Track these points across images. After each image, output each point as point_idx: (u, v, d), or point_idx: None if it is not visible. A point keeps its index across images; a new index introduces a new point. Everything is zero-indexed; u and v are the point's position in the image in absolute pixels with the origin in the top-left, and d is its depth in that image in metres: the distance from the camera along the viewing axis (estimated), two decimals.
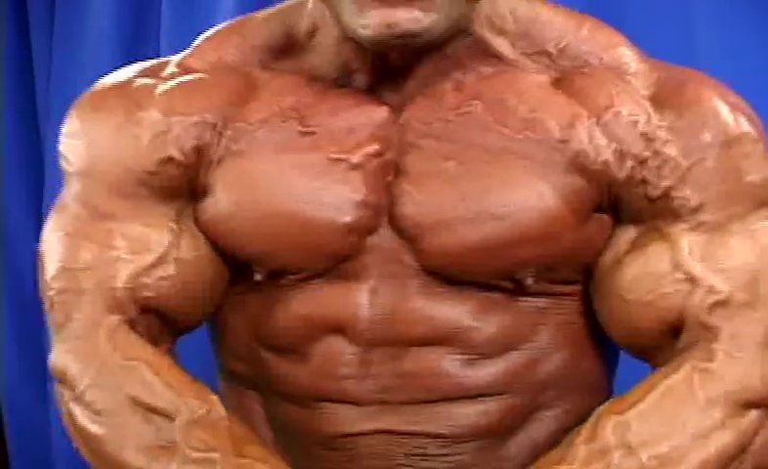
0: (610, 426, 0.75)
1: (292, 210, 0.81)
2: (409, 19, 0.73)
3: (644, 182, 0.79)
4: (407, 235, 0.81)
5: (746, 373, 0.76)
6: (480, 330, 0.82)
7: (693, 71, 0.85)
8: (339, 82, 0.84)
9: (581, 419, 0.81)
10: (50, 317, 0.85)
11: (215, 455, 0.77)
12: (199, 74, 0.86)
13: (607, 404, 0.79)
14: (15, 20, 1.88)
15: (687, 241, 0.79)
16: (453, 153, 0.80)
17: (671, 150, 0.78)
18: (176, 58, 0.90)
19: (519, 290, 0.82)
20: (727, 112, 0.79)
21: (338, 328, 0.83)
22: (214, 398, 0.80)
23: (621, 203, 0.81)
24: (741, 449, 0.76)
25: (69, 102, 1.76)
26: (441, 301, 0.82)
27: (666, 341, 0.81)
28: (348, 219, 0.81)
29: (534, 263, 0.80)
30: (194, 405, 0.79)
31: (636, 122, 0.79)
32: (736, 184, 0.79)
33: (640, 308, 0.80)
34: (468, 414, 0.83)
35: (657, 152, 0.78)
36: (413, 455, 0.84)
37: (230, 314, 0.89)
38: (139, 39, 1.76)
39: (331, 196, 0.80)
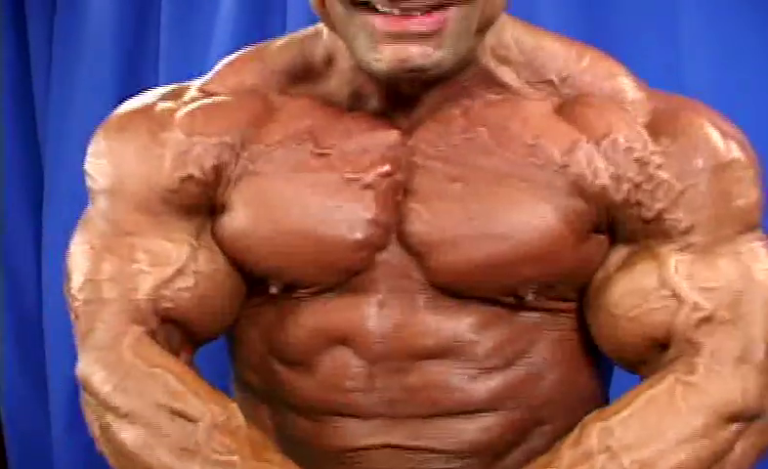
0: (594, 432, 0.79)
1: (306, 227, 0.85)
2: (421, 54, 0.76)
3: (639, 204, 0.83)
4: (415, 252, 0.85)
5: (727, 387, 0.80)
6: (480, 344, 0.86)
7: (688, 100, 0.88)
8: (352, 106, 0.87)
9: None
10: (75, 327, 0.89)
11: (235, 458, 0.80)
12: (220, 97, 0.91)
13: (593, 412, 0.83)
14: (12, 20, 1.88)
15: (675, 261, 0.83)
16: (460, 175, 0.84)
17: (665, 174, 0.82)
18: (197, 82, 0.94)
19: (519, 305, 0.86)
20: (718, 139, 0.83)
21: (346, 340, 0.87)
22: (234, 406, 0.84)
23: (617, 224, 0.85)
24: (719, 457, 0.80)
25: (68, 103, 1.78)
26: (446, 315, 0.86)
27: (652, 355, 0.85)
28: (359, 236, 0.84)
29: (536, 280, 0.84)
30: (216, 410, 0.82)
31: (632, 149, 0.83)
32: (725, 208, 0.83)
33: (627, 323, 0.84)
34: (469, 430, 0.87)
35: (651, 176, 0.82)
36: None
37: (245, 326, 0.93)
38: (139, 38, 1.76)
39: (344, 214, 0.84)
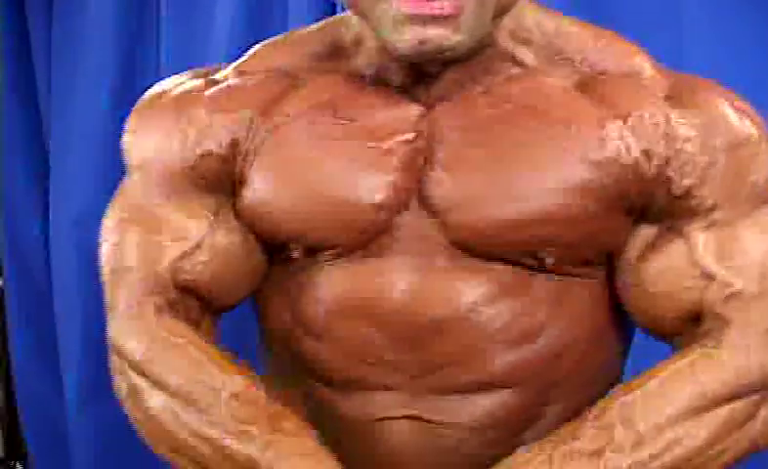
0: (616, 405, 0.82)
1: (326, 190, 0.87)
2: (439, 36, 0.79)
3: (669, 180, 0.85)
4: (436, 212, 0.86)
5: (750, 360, 0.83)
6: (499, 315, 0.87)
7: (701, 78, 0.90)
8: (376, 81, 0.89)
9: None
10: (105, 294, 0.94)
11: (253, 428, 0.83)
12: (247, 76, 0.94)
13: (618, 387, 0.86)
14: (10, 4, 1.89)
15: (702, 240, 0.85)
16: (483, 142, 0.86)
17: (690, 149, 0.84)
18: (233, 63, 0.97)
19: (538, 270, 0.87)
20: (735, 117, 0.86)
21: (367, 307, 0.88)
22: (254, 375, 0.87)
23: (646, 201, 0.86)
24: (739, 425, 0.83)
25: (69, 81, 1.79)
26: (464, 279, 0.87)
27: (686, 328, 0.88)
28: (378, 197, 0.86)
29: (556, 242, 0.85)
30: (236, 381, 0.86)
31: (658, 124, 0.85)
32: (743, 184, 0.86)
33: (663, 299, 0.88)
34: (487, 405, 0.89)
35: (678, 152, 0.84)
36: (436, 443, 0.89)
37: (270, 296, 0.96)
38: (140, 13, 1.78)
39: (363, 177, 0.86)
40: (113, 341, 0.92)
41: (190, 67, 1.66)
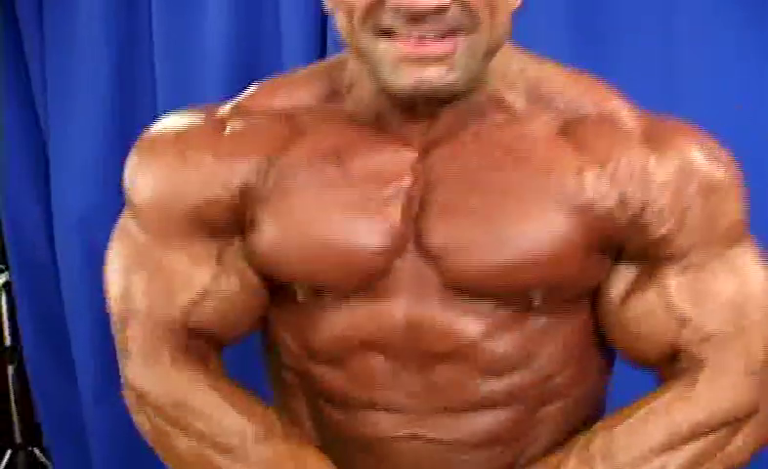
0: (597, 439, 0.91)
1: (330, 237, 0.92)
2: (436, 75, 0.84)
3: (645, 227, 0.91)
4: (432, 257, 0.92)
5: (723, 398, 0.91)
6: (493, 348, 0.94)
7: (675, 120, 0.95)
8: (374, 126, 0.94)
9: (582, 423, 0.97)
10: (116, 335, 0.99)
11: None
12: (250, 118, 0.97)
13: (602, 421, 0.94)
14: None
15: (677, 285, 0.92)
16: (474, 190, 0.91)
17: (666, 196, 0.90)
18: (231, 102, 1.00)
19: (528, 309, 0.94)
20: (707, 162, 0.91)
21: (372, 342, 0.95)
22: (272, 412, 0.95)
23: (622, 245, 0.92)
24: (712, 455, 0.91)
25: (65, 81, 1.81)
26: (460, 318, 0.93)
27: (664, 364, 0.95)
28: (378, 244, 0.92)
29: (543, 284, 0.92)
30: (259, 421, 0.94)
31: (634, 170, 0.90)
32: (715, 227, 0.92)
33: (642, 340, 0.95)
34: (484, 424, 0.96)
35: (654, 198, 0.90)
36: (439, 459, 0.97)
37: (278, 330, 1.01)
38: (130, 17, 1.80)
39: (364, 225, 0.92)
40: (131, 384, 0.98)
41: (182, 58, 1.72)
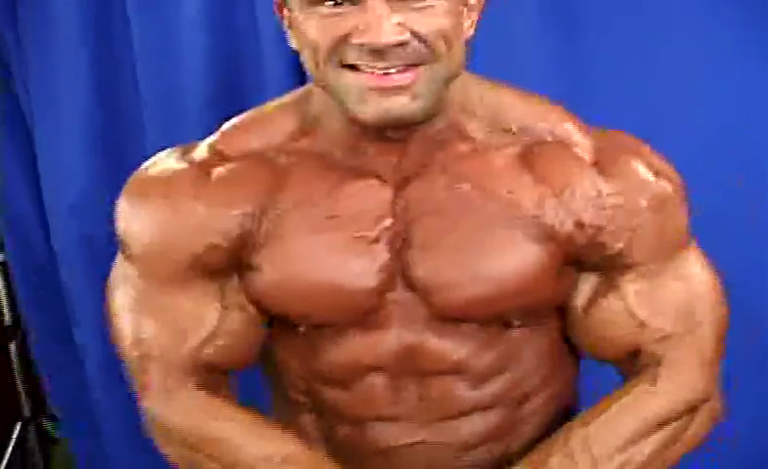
0: (576, 435, 1.03)
1: (326, 280, 1.02)
2: (400, 104, 0.92)
3: (602, 244, 1.01)
4: (419, 292, 1.02)
5: (682, 390, 1.04)
6: (479, 363, 1.06)
7: (623, 137, 1.05)
8: (351, 164, 1.02)
9: (560, 415, 1.10)
10: (133, 379, 1.08)
11: None
12: (231, 165, 1.04)
13: (578, 416, 1.06)
14: None
15: (634, 291, 1.03)
16: (450, 228, 1.01)
17: (619, 217, 1.00)
18: (205, 142, 1.07)
19: (507, 326, 1.06)
20: (654, 180, 1.01)
21: (373, 367, 1.06)
22: (288, 436, 1.06)
23: (583, 259, 1.03)
24: (676, 439, 1.04)
25: (46, 74, 1.83)
26: (449, 341, 1.05)
27: (627, 362, 1.07)
28: (371, 283, 1.02)
29: (520, 309, 1.04)
30: (281, 444, 1.04)
31: (588, 197, 1.00)
32: (665, 238, 1.03)
33: (606, 343, 1.07)
34: (475, 426, 1.09)
35: (609, 220, 1.00)
36: (441, 460, 1.09)
37: (284, 356, 1.12)
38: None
39: (356, 267, 1.01)
40: (154, 418, 1.07)
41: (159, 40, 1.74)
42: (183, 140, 1.71)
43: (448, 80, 0.95)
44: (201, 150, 1.06)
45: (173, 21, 1.74)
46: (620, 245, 1.01)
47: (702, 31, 1.52)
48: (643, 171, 1.01)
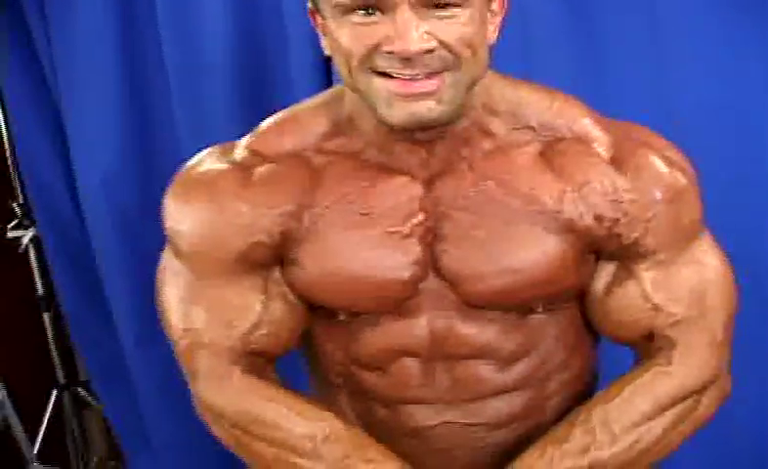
0: (595, 412, 1.09)
1: (363, 273, 1.09)
2: (426, 108, 0.97)
3: (618, 235, 1.07)
4: (450, 282, 1.09)
5: (695, 371, 1.10)
6: (504, 346, 1.13)
7: (639, 130, 1.10)
8: (381, 162, 1.09)
9: (580, 394, 1.17)
10: (184, 366, 1.15)
11: (350, 461, 1.08)
12: (269, 165, 1.11)
13: (597, 395, 1.13)
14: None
15: (649, 278, 1.09)
16: (478, 223, 1.07)
17: (635, 209, 1.06)
18: (242, 143, 1.13)
19: (531, 311, 1.12)
20: (668, 172, 1.07)
21: (406, 351, 1.13)
22: (331, 415, 1.12)
23: (602, 248, 1.10)
24: (686, 416, 1.11)
25: (71, 52, 1.86)
26: (477, 326, 1.11)
27: (642, 344, 1.13)
28: (405, 275, 1.09)
29: (543, 298, 1.11)
30: (323, 424, 1.10)
31: (606, 192, 1.06)
32: (679, 228, 1.08)
33: (623, 326, 1.13)
34: (501, 407, 1.15)
35: (625, 213, 1.06)
36: (469, 439, 1.16)
37: (323, 341, 1.19)
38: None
39: (391, 260, 1.08)
40: (205, 403, 1.15)
41: (186, 11, 1.77)
42: (208, 110, 1.80)
43: (472, 84, 1.00)
44: (240, 151, 1.12)
45: None
46: (636, 235, 1.07)
47: (715, 35, 1.56)
48: (658, 164, 1.06)
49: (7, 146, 2.18)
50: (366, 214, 1.08)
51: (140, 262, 1.97)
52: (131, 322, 2.08)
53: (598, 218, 1.06)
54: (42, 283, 2.33)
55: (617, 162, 1.06)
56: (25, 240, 2.25)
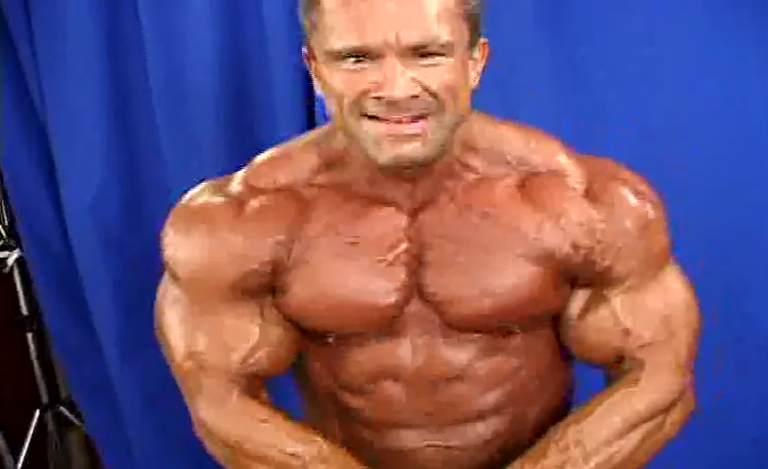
0: (570, 431, 1.16)
1: (351, 299, 1.16)
2: (411, 150, 1.04)
3: (593, 262, 1.15)
4: (433, 306, 1.17)
5: (662, 390, 1.18)
6: (483, 367, 1.20)
7: (610, 165, 1.18)
8: (369, 194, 1.15)
9: (557, 412, 1.25)
10: (184, 387, 1.22)
11: None
12: (263, 197, 1.18)
13: (572, 413, 1.20)
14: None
15: (620, 303, 1.18)
16: (459, 251, 1.15)
17: (607, 238, 1.14)
18: (237, 177, 1.20)
19: (509, 333, 1.19)
20: (639, 204, 1.15)
21: (390, 372, 1.20)
22: (318, 437, 1.18)
23: (577, 275, 1.17)
24: (655, 433, 1.19)
25: (59, 74, 1.89)
26: (458, 347, 1.19)
27: (613, 365, 1.21)
28: (391, 300, 1.16)
29: (521, 320, 1.18)
30: (314, 446, 1.17)
31: (582, 222, 1.14)
32: (648, 256, 1.17)
33: (596, 348, 1.21)
34: (483, 429, 1.23)
35: (598, 241, 1.14)
36: (453, 461, 1.23)
37: (312, 362, 1.26)
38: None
39: (377, 286, 1.16)
40: (202, 422, 1.21)
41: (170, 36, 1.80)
42: (194, 132, 1.84)
43: (455, 127, 1.07)
44: (235, 185, 1.19)
45: (182, 15, 1.81)
46: (608, 263, 1.15)
47: (706, 36, 1.60)
48: (629, 197, 1.14)
49: None
50: (354, 243, 1.15)
51: (124, 280, 2.04)
52: (115, 339, 2.10)
53: (575, 246, 1.13)
54: (26, 304, 2.36)
55: (590, 195, 1.14)
56: (10, 261, 2.28)
